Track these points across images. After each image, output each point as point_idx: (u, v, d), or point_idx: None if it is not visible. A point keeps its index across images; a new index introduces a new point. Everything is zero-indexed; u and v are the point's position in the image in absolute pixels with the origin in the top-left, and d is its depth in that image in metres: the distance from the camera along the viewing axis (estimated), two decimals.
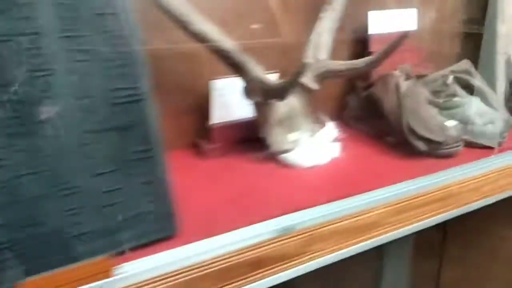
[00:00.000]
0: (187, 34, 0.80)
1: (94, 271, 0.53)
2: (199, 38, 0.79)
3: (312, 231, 0.71)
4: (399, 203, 0.81)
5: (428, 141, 0.97)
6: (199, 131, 1.01)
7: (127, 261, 0.60)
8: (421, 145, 0.97)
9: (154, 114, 0.68)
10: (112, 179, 0.64)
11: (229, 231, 0.68)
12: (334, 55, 0.96)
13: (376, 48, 1.13)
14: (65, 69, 0.61)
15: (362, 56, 1.12)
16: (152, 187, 0.67)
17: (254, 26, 1.01)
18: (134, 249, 0.65)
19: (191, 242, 0.66)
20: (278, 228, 0.67)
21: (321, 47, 0.93)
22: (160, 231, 0.67)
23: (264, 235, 0.67)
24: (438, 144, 0.96)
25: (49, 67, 0.60)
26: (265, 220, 0.70)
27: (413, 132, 0.97)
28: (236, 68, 0.83)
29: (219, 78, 0.93)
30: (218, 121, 0.97)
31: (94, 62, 0.64)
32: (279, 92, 0.84)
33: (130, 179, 0.66)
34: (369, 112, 1.11)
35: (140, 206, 0.66)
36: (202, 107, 0.99)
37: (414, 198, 0.83)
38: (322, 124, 1.00)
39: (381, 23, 1.13)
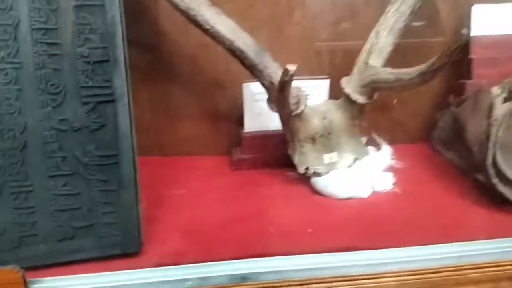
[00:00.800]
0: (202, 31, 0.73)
1: (3, 281, 0.51)
2: (210, 34, 0.71)
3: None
4: (435, 272, 0.60)
5: None
6: (236, 137, 0.93)
7: (56, 275, 0.56)
8: (509, 193, 0.71)
9: (127, 117, 0.63)
10: (70, 183, 0.62)
11: (188, 263, 0.59)
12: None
13: (479, 53, 0.87)
14: (34, 63, 0.61)
15: (460, 65, 0.90)
16: (114, 196, 0.63)
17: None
18: (84, 261, 0.61)
19: (147, 266, 0.60)
20: (233, 274, 0.56)
21: (376, 50, 0.74)
22: (117, 247, 0.63)
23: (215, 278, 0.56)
24: None
25: (17, 60, 0.60)
26: (231, 259, 0.59)
27: (500, 173, 0.71)
28: (253, 71, 0.72)
29: (254, 81, 0.83)
30: (250, 130, 0.88)
31: (66, 56, 0.62)
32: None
33: (90, 185, 0.62)
34: (458, 138, 0.87)
35: (98, 216, 0.63)
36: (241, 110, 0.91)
37: (463, 269, 0.60)
38: (376, 147, 0.82)
39: (491, 21, 0.86)
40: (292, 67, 0.59)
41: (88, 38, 0.62)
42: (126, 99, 0.63)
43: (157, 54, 0.89)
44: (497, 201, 0.72)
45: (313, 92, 0.87)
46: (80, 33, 0.62)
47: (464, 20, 0.91)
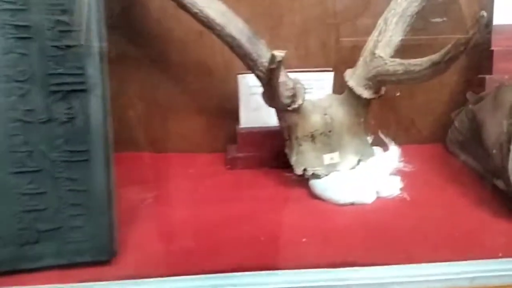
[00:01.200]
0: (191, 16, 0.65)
1: None
2: (198, 19, 0.63)
3: None
4: None
5: None
6: (232, 133, 0.85)
7: None
8: None
9: (100, 109, 0.57)
10: (36, 181, 0.56)
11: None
12: None
13: (501, 45, 0.78)
14: (1, 46, 0.54)
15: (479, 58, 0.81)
16: (84, 197, 0.56)
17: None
18: (48, 269, 0.55)
19: (116, 278, 0.53)
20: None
21: (385, 39, 0.66)
22: (85, 254, 0.56)
23: None
24: None
25: None
26: (210, 272, 0.52)
27: None
28: (246, 61, 0.64)
29: (250, 72, 0.75)
30: (246, 126, 0.80)
31: (34, 40, 0.55)
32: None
33: (58, 184, 0.56)
34: (475, 139, 0.78)
35: (65, 219, 0.56)
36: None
37: None
38: (383, 147, 0.73)
39: None
40: (279, 53, 0.51)
41: (60, 20, 0.56)
42: (100, 89, 0.56)
43: (148, 43, 0.83)
44: None
45: (315, 86, 0.79)
46: (51, 14, 0.56)
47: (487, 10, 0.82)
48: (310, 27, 0.84)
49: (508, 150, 0.64)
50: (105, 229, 0.56)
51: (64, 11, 0.55)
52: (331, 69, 0.79)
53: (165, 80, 0.85)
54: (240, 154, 0.81)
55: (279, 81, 0.58)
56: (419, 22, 0.73)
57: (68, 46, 0.56)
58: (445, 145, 0.89)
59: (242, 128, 0.81)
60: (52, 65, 0.55)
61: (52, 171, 0.56)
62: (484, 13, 0.49)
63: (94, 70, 0.56)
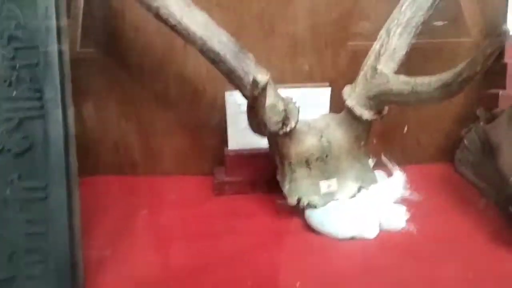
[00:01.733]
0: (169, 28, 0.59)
1: None
2: (178, 32, 0.57)
3: None
4: None
5: None
6: (221, 154, 0.78)
7: None
8: None
9: (60, 138, 0.50)
10: None
11: None
12: None
13: None
14: None
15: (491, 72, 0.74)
16: (42, 241, 0.49)
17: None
18: None
19: None
20: None
21: (387, 52, 0.59)
22: None
23: None
24: None
25: None
26: None
27: None
28: (232, 78, 0.58)
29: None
30: (235, 148, 0.74)
31: None
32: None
33: (11, 227, 0.49)
34: (488, 161, 0.71)
35: (21, 267, 0.49)
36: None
37: None
38: (386, 172, 0.67)
39: None
40: (262, 77, 0.44)
41: (14, 36, 0.50)
42: (59, 114, 0.50)
43: (126, 56, 0.76)
44: None
45: (310, 103, 0.72)
46: (4, 30, 0.49)
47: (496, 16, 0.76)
48: (304, 37, 0.77)
49: None
50: (67, 279, 0.49)
51: (19, 25, 0.49)
52: (327, 84, 0.72)
53: (146, 96, 0.78)
54: (228, 179, 0.74)
55: (266, 105, 0.51)
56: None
57: (24, 66, 0.49)
58: (453, 164, 0.83)
59: (231, 150, 0.74)
60: (5, 88, 0.49)
61: (5, 212, 0.49)
62: (506, 28, 0.43)
63: (53, 93, 0.50)
